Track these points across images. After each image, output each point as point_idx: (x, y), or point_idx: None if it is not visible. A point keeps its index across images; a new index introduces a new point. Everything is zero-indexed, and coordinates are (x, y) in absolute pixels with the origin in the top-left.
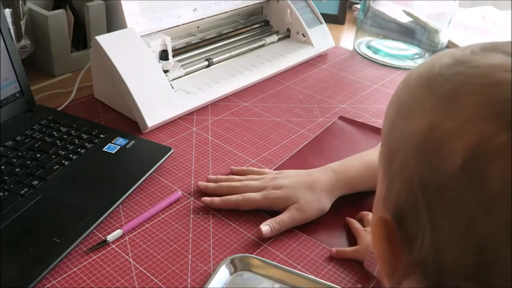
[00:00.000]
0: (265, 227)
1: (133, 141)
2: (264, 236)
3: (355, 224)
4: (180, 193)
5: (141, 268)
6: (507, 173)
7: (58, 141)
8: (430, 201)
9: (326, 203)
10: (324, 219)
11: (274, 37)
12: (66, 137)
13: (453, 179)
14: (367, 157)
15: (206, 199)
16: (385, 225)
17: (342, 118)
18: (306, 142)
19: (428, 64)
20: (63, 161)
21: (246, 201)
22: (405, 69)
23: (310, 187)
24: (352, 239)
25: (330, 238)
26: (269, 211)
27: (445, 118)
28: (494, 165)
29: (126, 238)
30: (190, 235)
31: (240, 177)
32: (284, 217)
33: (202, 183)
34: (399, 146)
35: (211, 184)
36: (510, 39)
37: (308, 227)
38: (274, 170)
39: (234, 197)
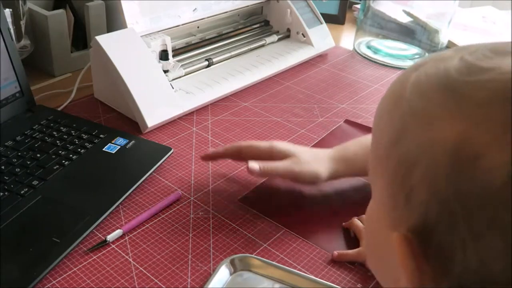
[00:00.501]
0: (253, 164)
1: (133, 141)
2: (251, 174)
3: (357, 222)
4: (180, 193)
5: (141, 268)
6: None
7: (58, 141)
8: (471, 214)
9: (323, 168)
10: (322, 222)
11: (274, 37)
12: (66, 137)
13: (497, 192)
14: (364, 140)
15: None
16: (408, 242)
17: (347, 121)
18: (310, 146)
19: (438, 68)
20: (63, 161)
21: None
22: (405, 69)
23: (311, 150)
24: (350, 241)
25: (329, 242)
26: (271, 215)
27: (480, 128)
28: None
29: (126, 238)
30: (190, 235)
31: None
32: (278, 163)
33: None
34: (417, 157)
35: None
36: (510, 39)
37: (308, 231)
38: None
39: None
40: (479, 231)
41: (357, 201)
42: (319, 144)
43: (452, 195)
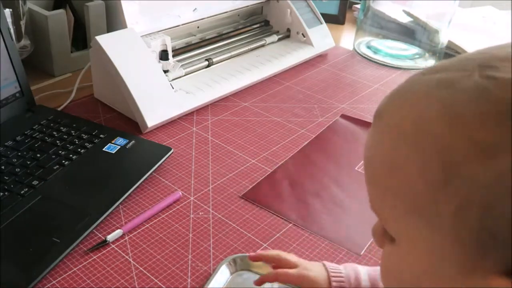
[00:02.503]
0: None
1: (133, 141)
2: None
3: (284, 271)
4: (180, 193)
5: (141, 268)
6: None
7: (58, 141)
8: None
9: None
10: (326, 214)
11: (274, 37)
12: (66, 137)
13: None
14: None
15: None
16: None
17: (344, 116)
18: (309, 140)
19: (491, 95)
20: (63, 161)
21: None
22: (405, 69)
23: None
24: (356, 231)
25: (336, 234)
26: (273, 208)
27: None
28: None
29: (126, 238)
30: (190, 235)
31: None
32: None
33: None
34: (488, 196)
35: None
36: (510, 40)
37: (312, 225)
38: (276, 168)
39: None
40: None
41: (358, 193)
42: (317, 140)
43: None
